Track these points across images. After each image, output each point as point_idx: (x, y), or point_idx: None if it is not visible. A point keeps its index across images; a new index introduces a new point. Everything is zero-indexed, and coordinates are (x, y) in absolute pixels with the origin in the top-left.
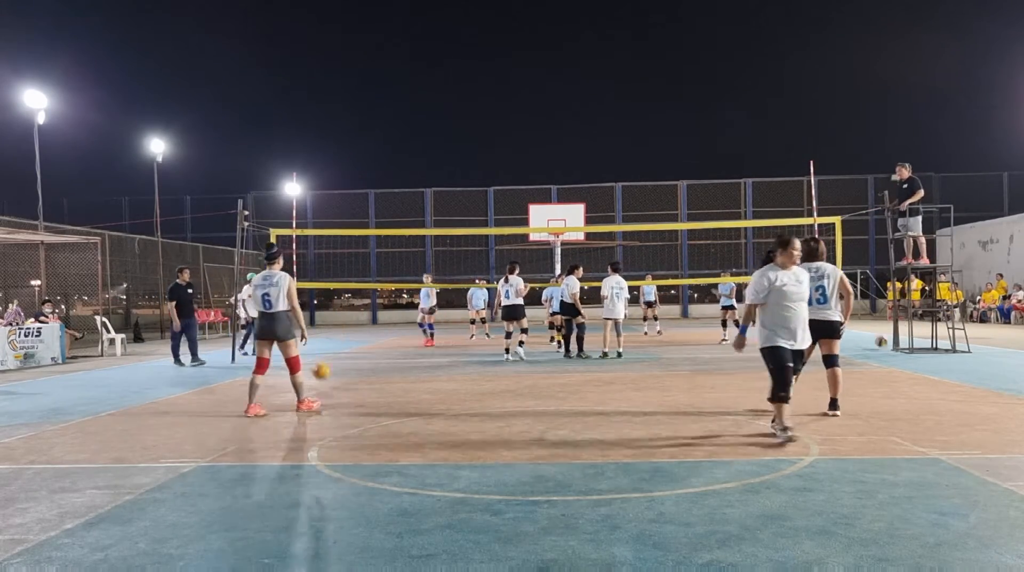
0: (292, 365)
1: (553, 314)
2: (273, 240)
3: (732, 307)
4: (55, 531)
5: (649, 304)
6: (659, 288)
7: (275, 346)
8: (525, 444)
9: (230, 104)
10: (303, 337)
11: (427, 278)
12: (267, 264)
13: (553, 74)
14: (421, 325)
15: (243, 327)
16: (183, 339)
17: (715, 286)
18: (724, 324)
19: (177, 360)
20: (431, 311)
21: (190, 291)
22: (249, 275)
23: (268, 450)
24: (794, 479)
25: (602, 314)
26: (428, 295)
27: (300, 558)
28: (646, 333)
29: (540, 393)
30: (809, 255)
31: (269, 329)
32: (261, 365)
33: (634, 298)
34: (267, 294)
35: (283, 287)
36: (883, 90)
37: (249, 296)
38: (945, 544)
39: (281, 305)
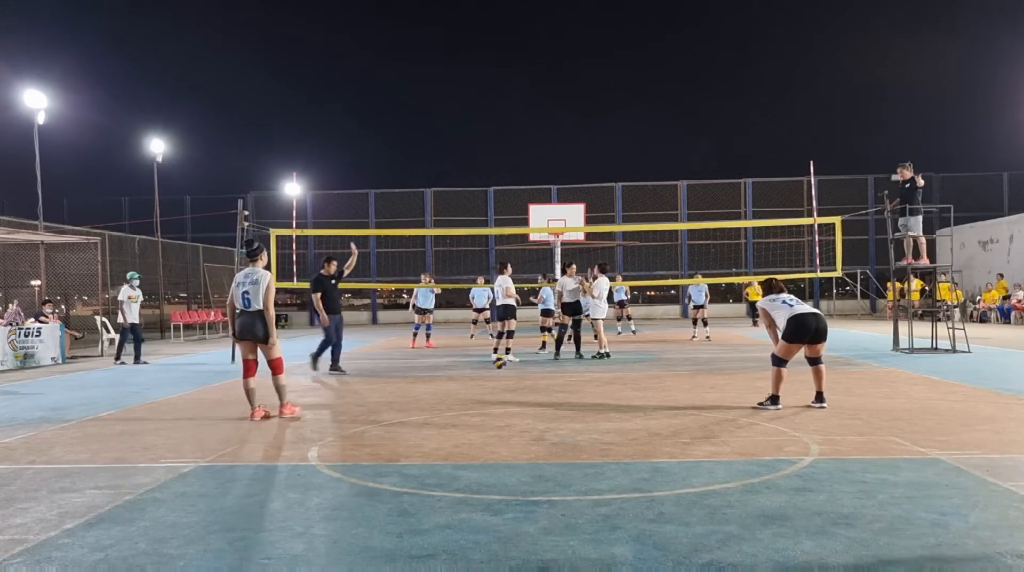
0: (275, 367)
1: (544, 315)
2: (273, 240)
3: (703, 306)
4: (55, 531)
5: (621, 304)
6: (656, 288)
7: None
8: (525, 444)
9: (230, 104)
10: (271, 339)
11: (426, 278)
12: (248, 261)
13: (553, 74)
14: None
15: (120, 333)
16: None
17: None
18: (695, 322)
19: (316, 362)
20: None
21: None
22: (130, 274)
23: (268, 450)
24: (794, 479)
25: (592, 315)
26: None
27: (300, 558)
28: (619, 333)
29: (540, 393)
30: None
31: (250, 329)
32: (249, 368)
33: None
34: (247, 292)
35: (261, 285)
36: (883, 90)
37: (130, 297)
38: (945, 544)
39: (259, 304)
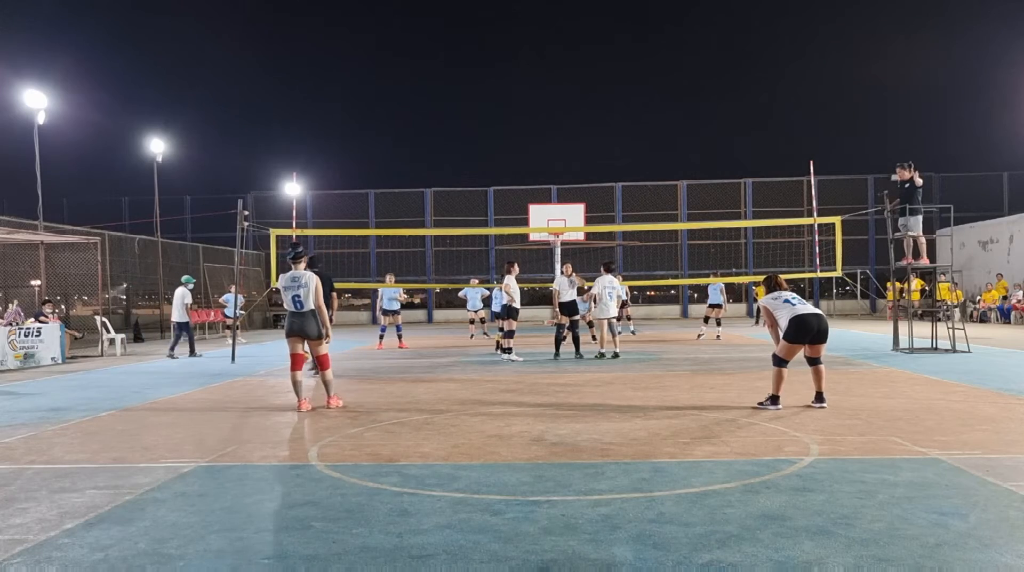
0: (322, 362)
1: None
2: (273, 240)
3: (720, 305)
4: (55, 531)
5: (622, 304)
6: (656, 288)
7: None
8: (525, 444)
9: (230, 104)
10: (327, 336)
11: (390, 278)
12: (292, 264)
13: (553, 74)
14: (385, 328)
15: (181, 331)
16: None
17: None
18: (707, 321)
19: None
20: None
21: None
22: (186, 278)
23: (268, 450)
24: (794, 479)
25: (596, 314)
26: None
27: (300, 558)
28: (619, 333)
29: (540, 393)
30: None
31: (299, 328)
32: (296, 361)
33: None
34: (297, 295)
35: (311, 287)
36: (883, 90)
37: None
38: (945, 544)
39: (311, 305)
